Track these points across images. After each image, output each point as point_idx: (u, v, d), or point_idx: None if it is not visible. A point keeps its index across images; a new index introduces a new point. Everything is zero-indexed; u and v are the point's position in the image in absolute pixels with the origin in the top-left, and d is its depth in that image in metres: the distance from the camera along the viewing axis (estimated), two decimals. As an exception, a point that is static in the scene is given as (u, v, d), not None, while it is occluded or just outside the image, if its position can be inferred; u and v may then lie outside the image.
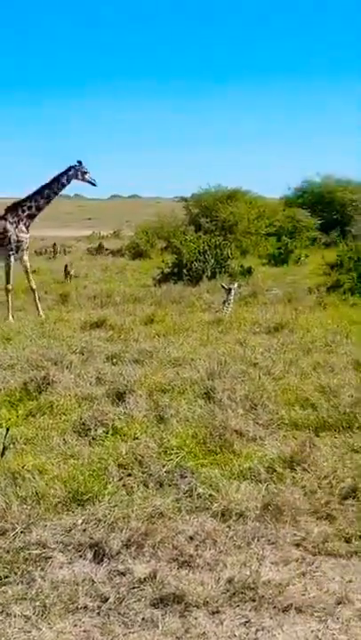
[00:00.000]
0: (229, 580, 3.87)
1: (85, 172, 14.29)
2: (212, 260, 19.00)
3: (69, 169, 14.19)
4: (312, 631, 3.52)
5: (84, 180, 14.45)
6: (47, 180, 14.23)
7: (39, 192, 14.13)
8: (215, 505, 4.70)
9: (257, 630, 3.52)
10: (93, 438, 5.95)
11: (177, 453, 5.42)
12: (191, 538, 4.34)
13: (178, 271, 18.84)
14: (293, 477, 5.09)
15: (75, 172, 14.18)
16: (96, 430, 6.06)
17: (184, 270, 18.63)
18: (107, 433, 6.02)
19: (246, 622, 3.58)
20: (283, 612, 3.65)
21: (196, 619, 3.59)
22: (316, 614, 3.64)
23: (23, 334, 10.59)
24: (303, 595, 3.79)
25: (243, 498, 4.77)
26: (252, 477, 5.14)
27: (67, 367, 8.03)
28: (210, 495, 4.82)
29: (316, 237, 30.94)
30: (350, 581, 3.95)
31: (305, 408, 6.54)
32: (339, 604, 3.72)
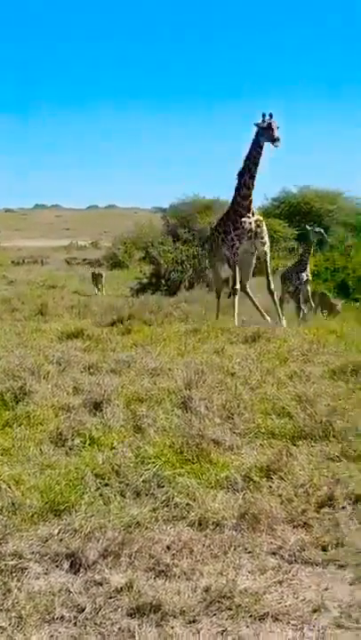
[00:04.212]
0: (206, 589, 3.87)
1: (271, 129, 12.47)
2: (190, 270, 19.07)
3: (257, 131, 12.67)
4: (288, 639, 3.53)
5: (268, 139, 12.55)
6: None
7: (244, 171, 12.89)
8: (192, 514, 4.69)
9: (234, 639, 3.52)
10: (70, 448, 5.93)
11: (154, 463, 5.41)
12: (168, 547, 4.33)
13: (156, 281, 18.90)
14: (270, 486, 5.10)
15: (262, 131, 12.58)
16: (73, 440, 6.04)
17: (162, 280, 18.69)
18: (84, 443, 6.00)
19: (223, 631, 3.58)
20: (259, 620, 3.64)
21: (172, 628, 3.58)
22: (292, 622, 3.64)
23: None
24: (280, 603, 3.79)
25: (220, 507, 4.77)
26: (228, 486, 5.15)
27: (44, 377, 8.00)
28: (187, 504, 4.81)
29: (294, 247, 31.13)
30: (326, 589, 3.96)
31: (282, 417, 6.55)
32: (315, 612, 3.72)
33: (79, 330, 11.31)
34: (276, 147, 12.61)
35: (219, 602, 3.77)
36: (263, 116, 12.57)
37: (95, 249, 43.18)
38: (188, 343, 10.23)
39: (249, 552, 4.34)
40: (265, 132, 12.58)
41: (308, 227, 15.17)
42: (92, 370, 8.55)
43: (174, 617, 3.66)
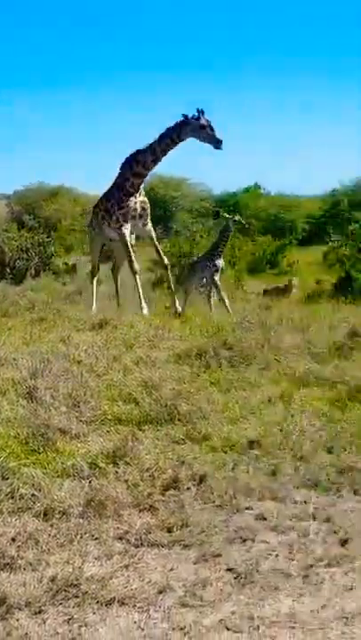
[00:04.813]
0: (52, 579, 3.85)
1: (210, 128, 11.47)
2: (36, 258, 18.82)
3: (184, 122, 11.72)
4: (135, 622, 3.57)
5: (205, 139, 11.55)
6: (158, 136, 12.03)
7: (148, 150, 12.14)
8: (38, 504, 4.64)
9: (80, 626, 3.52)
10: None
11: (-2, 455, 5.31)
12: (13, 539, 4.27)
13: (0, 270, 18.54)
14: (116, 472, 5.12)
15: (196, 128, 11.66)
16: None
17: (7, 269, 18.35)
18: None
19: (69, 619, 3.57)
20: (106, 605, 3.67)
21: (18, 620, 3.54)
22: (138, 605, 3.69)
23: None
24: (126, 587, 3.83)
25: (66, 495, 4.75)
26: (75, 474, 5.13)
27: None
28: (32, 495, 4.75)
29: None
30: (172, 569, 4.03)
31: (128, 403, 6.60)
32: (160, 592, 3.79)
33: None
34: (219, 149, 11.81)
35: (65, 590, 3.76)
36: (198, 111, 11.80)
37: None
38: (34, 332, 10.07)
39: (96, 539, 4.35)
40: (200, 131, 11.82)
41: (226, 215, 15.07)
42: None
43: (19, 609, 3.62)
